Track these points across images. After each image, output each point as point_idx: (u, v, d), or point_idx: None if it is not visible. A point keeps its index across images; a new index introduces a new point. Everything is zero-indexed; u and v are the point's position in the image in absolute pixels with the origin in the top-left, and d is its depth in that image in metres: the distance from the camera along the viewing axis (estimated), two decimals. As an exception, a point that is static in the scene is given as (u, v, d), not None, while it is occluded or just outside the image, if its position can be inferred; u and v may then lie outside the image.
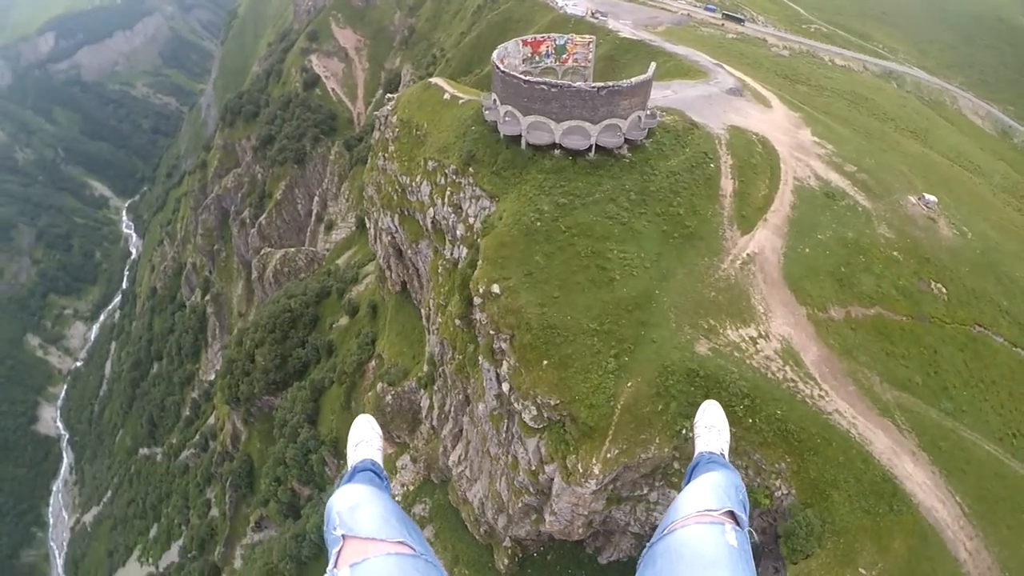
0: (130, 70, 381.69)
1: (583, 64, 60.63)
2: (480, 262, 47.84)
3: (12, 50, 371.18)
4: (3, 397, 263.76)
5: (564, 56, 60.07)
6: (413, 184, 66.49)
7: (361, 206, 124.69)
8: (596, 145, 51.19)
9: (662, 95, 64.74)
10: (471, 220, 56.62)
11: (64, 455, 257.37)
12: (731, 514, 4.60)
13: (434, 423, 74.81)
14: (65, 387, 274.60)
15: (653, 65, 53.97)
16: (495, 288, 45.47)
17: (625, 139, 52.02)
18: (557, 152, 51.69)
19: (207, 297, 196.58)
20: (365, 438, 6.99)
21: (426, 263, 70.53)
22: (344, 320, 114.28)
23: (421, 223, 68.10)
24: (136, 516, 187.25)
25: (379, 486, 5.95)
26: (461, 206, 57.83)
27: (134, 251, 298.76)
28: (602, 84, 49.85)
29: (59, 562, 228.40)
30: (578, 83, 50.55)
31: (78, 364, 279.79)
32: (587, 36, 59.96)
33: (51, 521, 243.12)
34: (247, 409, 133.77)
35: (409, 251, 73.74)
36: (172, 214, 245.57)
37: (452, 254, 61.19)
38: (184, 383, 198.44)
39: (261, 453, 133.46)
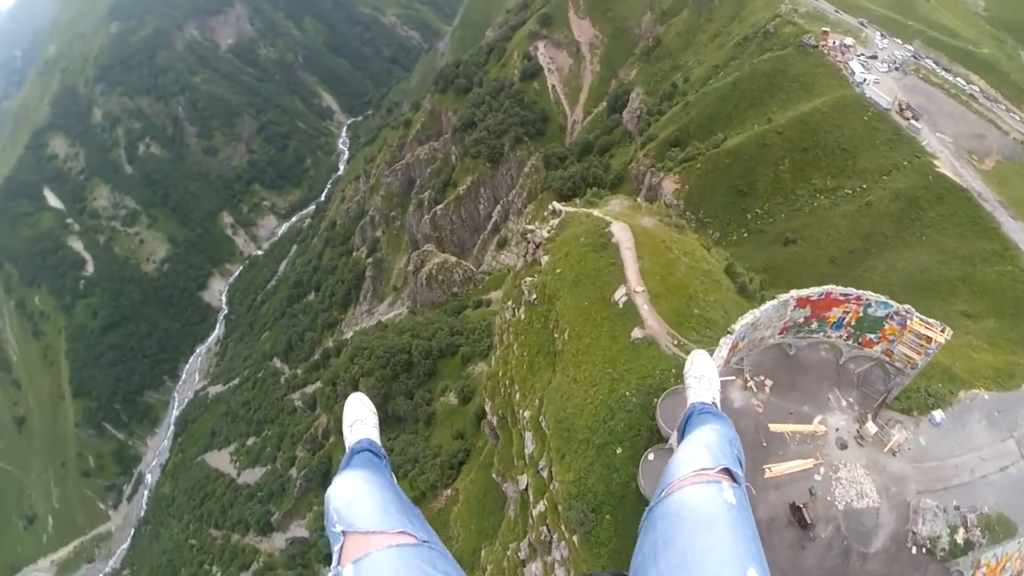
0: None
1: (900, 363, 28.11)
2: None
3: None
4: (184, 258, 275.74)
5: (873, 338, 28.07)
6: (520, 426, 38.33)
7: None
8: None
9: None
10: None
11: (217, 327, 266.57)
12: (727, 471, 4.35)
13: None
14: (240, 269, 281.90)
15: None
16: None
17: None
18: None
19: (371, 259, 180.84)
20: (359, 417, 6.71)
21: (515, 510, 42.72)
22: (454, 399, 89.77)
23: (514, 483, 40.06)
24: (244, 419, 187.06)
25: (377, 467, 5.70)
26: None
27: (341, 168, 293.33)
28: None
29: (173, 414, 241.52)
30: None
31: (259, 252, 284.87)
32: (936, 323, 26.61)
33: (183, 377, 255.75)
34: (339, 423, 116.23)
35: (499, 476, 45.88)
36: (377, 152, 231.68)
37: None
38: (325, 327, 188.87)
39: (339, 465, 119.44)
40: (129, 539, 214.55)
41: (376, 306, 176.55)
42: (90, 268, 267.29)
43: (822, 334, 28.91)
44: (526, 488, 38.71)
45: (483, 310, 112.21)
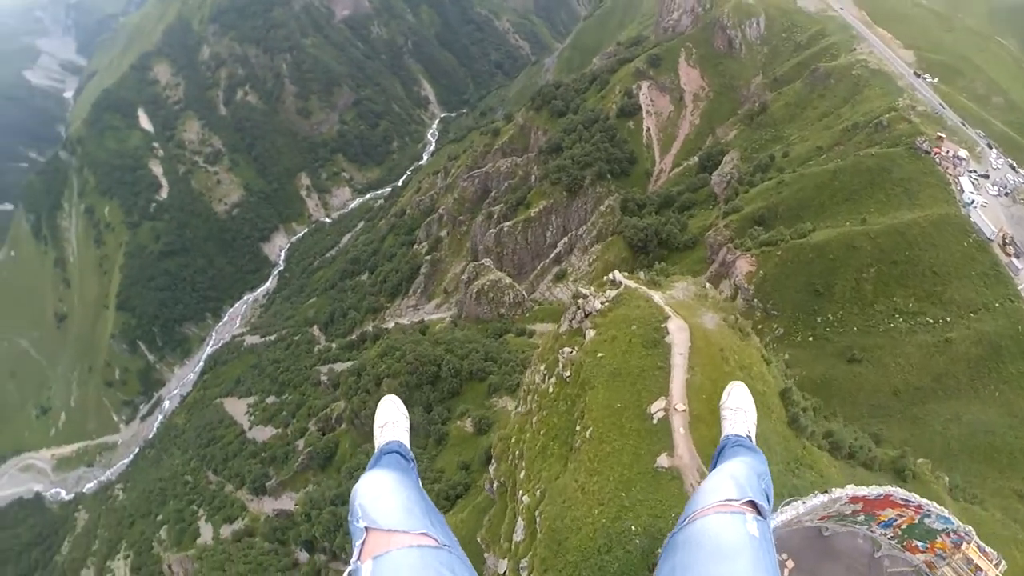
0: (502, 3, 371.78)
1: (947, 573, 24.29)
2: None
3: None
4: (255, 207, 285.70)
5: (920, 546, 24.40)
6: (516, 506, 35.61)
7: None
8: None
9: None
10: None
11: (270, 280, 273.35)
12: (752, 504, 4.34)
13: None
14: (305, 231, 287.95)
15: None
16: None
17: None
18: None
19: (429, 257, 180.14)
20: (391, 419, 6.62)
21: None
22: (469, 426, 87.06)
23: (495, 558, 37.36)
24: (269, 376, 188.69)
25: (405, 469, 5.68)
26: None
27: (424, 158, 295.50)
28: None
29: (206, 351, 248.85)
30: None
31: (326, 220, 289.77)
32: (993, 554, 22.88)
33: (224, 318, 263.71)
34: (353, 414, 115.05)
35: (484, 543, 43.21)
36: (462, 152, 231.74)
37: None
38: (368, 311, 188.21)
39: (344, 454, 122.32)
40: (131, 456, 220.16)
41: (424, 304, 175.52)
42: (164, 194, 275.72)
43: (866, 527, 25.33)
44: (504, 574, 35.96)
45: (524, 340, 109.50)
